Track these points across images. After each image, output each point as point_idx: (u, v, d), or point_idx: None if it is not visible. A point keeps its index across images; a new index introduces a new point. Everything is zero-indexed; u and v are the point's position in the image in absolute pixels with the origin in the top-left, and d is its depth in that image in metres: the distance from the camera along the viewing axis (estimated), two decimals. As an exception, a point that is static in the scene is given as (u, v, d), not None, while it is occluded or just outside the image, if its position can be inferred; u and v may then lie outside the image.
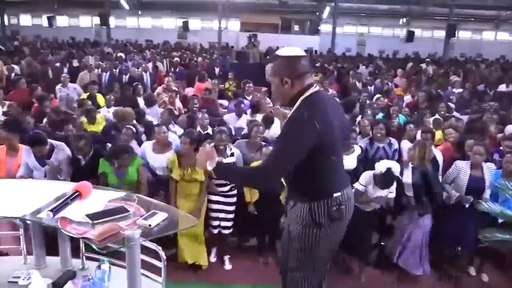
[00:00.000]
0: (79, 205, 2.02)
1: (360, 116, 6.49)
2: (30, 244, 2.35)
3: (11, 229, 2.88)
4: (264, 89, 8.02)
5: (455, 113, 6.93)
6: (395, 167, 4.00)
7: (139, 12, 30.14)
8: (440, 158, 4.84)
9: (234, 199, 4.53)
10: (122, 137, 4.91)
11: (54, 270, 2.26)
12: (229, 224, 4.54)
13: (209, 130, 5.51)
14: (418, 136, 5.16)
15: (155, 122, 5.71)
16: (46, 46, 18.97)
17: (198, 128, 5.61)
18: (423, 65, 15.18)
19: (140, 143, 5.14)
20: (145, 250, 2.02)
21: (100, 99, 7.64)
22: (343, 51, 24.69)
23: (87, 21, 30.36)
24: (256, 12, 25.54)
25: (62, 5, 28.88)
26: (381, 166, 4.01)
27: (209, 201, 4.47)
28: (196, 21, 29.46)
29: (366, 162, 4.72)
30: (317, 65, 14.25)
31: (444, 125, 5.79)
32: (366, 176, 4.16)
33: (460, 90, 9.32)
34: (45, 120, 5.81)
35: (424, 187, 4.12)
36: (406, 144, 5.36)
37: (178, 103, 7.63)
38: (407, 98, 8.78)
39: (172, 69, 12.45)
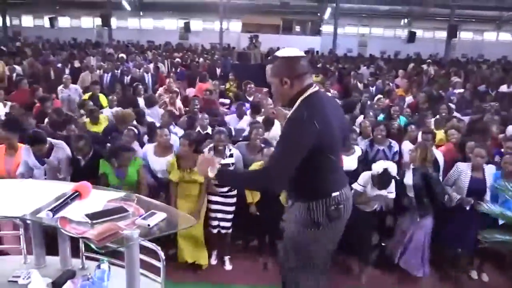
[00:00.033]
0: (79, 205, 2.03)
1: (362, 116, 6.49)
2: (30, 244, 2.35)
3: (12, 229, 2.89)
4: (265, 89, 8.03)
5: (455, 114, 6.92)
6: (392, 168, 4.03)
7: (141, 13, 30.19)
8: (441, 159, 4.84)
9: (233, 200, 4.54)
10: (123, 138, 4.89)
11: (54, 270, 2.26)
12: (229, 224, 4.55)
13: (209, 130, 5.52)
14: (419, 137, 5.15)
15: (156, 124, 5.71)
16: (48, 47, 19.02)
17: (198, 129, 5.63)
18: (424, 66, 15.17)
19: (141, 144, 5.13)
20: (144, 250, 2.03)
21: (102, 99, 7.66)
22: (344, 51, 24.70)
23: (89, 22, 30.42)
24: (257, 13, 25.61)
25: (64, 6, 29.00)
26: (377, 166, 4.05)
27: (209, 201, 4.48)
28: (198, 22, 29.52)
29: (366, 164, 4.72)
30: (318, 66, 14.26)
31: (446, 126, 5.78)
32: (364, 176, 4.18)
33: (461, 90, 9.31)
34: (46, 120, 5.82)
35: (425, 189, 4.13)
36: (407, 145, 5.36)
37: (178, 104, 7.65)
38: (409, 99, 8.77)
39: (173, 70, 12.48)
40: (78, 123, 5.63)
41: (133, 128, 5.10)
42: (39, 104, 6.67)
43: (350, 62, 17.18)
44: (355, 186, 4.13)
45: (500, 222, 4.07)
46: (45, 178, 4.02)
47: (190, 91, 9.62)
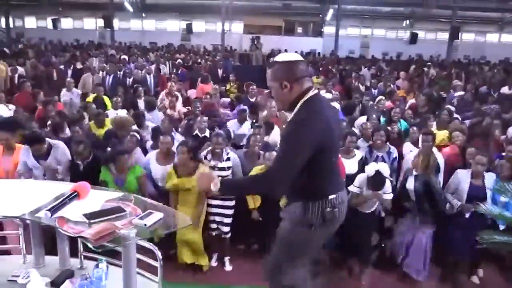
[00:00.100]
0: (77, 205, 2.05)
1: (362, 118, 6.49)
2: (29, 244, 2.38)
3: (12, 229, 2.92)
4: (266, 91, 8.05)
5: (455, 116, 6.90)
6: (384, 169, 4.06)
7: (143, 15, 30.25)
8: (441, 161, 4.83)
9: (232, 203, 4.53)
10: (126, 144, 4.87)
11: (53, 269, 2.29)
12: (227, 228, 4.54)
13: (207, 133, 5.51)
14: (420, 138, 5.14)
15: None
16: (50, 49, 19.09)
17: (196, 131, 5.62)
18: (425, 69, 15.14)
19: (143, 150, 5.12)
20: (142, 250, 2.05)
21: (106, 101, 7.65)
22: (346, 53, 24.68)
23: (91, 23, 30.46)
24: (259, 14, 25.62)
25: (67, 7, 29.07)
26: (370, 169, 4.09)
27: (208, 205, 4.47)
28: (200, 24, 29.54)
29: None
30: (320, 68, 14.27)
31: (449, 127, 5.77)
32: (360, 178, 4.22)
33: (461, 93, 9.28)
34: (49, 122, 5.84)
35: (426, 196, 4.15)
36: (408, 147, 5.39)
37: (179, 107, 7.64)
38: (411, 101, 8.76)
39: (175, 71, 12.51)
40: (82, 124, 5.65)
41: (136, 134, 5.09)
42: (42, 107, 6.69)
43: (351, 64, 17.17)
44: (351, 188, 4.16)
45: (501, 227, 4.08)
46: (45, 179, 4.04)
47: (192, 93, 9.65)
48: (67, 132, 5.41)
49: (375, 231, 4.55)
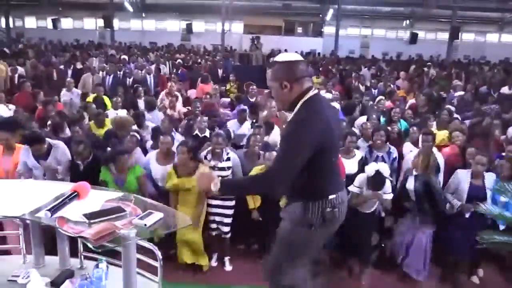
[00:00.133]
0: (77, 205, 2.05)
1: (362, 118, 6.49)
2: (29, 244, 2.38)
3: (12, 229, 2.92)
4: (266, 91, 8.05)
5: (455, 116, 6.90)
6: (384, 169, 4.07)
7: (143, 15, 30.26)
8: (441, 161, 4.83)
9: (232, 203, 4.52)
10: (126, 144, 4.87)
11: (53, 269, 2.29)
12: (227, 228, 4.54)
13: (207, 133, 5.50)
14: (420, 138, 5.14)
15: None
16: (50, 49, 19.09)
17: (196, 132, 5.61)
18: (425, 69, 15.14)
19: (143, 150, 5.11)
20: (142, 250, 2.05)
21: (106, 101, 7.65)
22: (346, 53, 24.68)
23: (91, 23, 30.47)
24: (259, 14, 25.63)
25: (67, 7, 29.07)
26: (370, 169, 4.09)
27: (208, 204, 4.47)
28: (200, 24, 29.54)
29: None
30: (320, 67, 14.27)
31: (450, 127, 5.77)
32: (360, 178, 4.22)
33: (461, 93, 9.28)
34: (49, 122, 5.84)
35: (426, 196, 4.15)
36: (408, 147, 5.38)
37: (178, 107, 7.64)
38: (411, 101, 8.75)
39: (175, 71, 12.52)
40: (82, 124, 5.65)
41: (136, 134, 5.09)
42: (42, 107, 6.69)
43: (351, 64, 17.17)
44: (351, 188, 4.16)
45: (501, 227, 4.07)
46: (45, 179, 4.03)
47: (192, 93, 9.65)
48: (67, 132, 5.41)
49: (375, 231, 4.56)
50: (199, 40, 26.67)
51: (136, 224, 1.87)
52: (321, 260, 4.03)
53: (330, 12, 26.60)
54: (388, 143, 5.24)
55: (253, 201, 4.53)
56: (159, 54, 16.88)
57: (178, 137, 5.42)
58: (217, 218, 4.51)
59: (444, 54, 22.15)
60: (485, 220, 4.17)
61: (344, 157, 4.66)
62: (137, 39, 26.87)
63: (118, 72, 10.39)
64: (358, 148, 5.13)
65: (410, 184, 4.25)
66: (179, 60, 14.06)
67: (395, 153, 5.14)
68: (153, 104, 7.02)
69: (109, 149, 4.80)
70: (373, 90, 9.92)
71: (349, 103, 7.83)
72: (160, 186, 4.61)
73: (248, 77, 10.03)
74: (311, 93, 2.35)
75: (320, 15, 28.03)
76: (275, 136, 5.52)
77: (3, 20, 25.96)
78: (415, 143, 5.27)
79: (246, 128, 6.06)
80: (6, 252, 2.94)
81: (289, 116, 2.43)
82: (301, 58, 2.44)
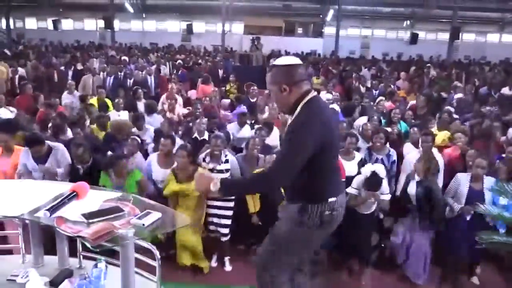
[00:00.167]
0: (76, 204, 2.06)
1: (362, 119, 6.49)
2: (28, 244, 2.39)
3: (11, 229, 2.92)
4: (266, 91, 8.05)
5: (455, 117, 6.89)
6: (380, 170, 4.07)
7: (144, 15, 30.30)
8: (441, 161, 4.82)
9: (231, 204, 4.51)
10: (127, 147, 4.86)
11: (52, 269, 2.30)
12: (226, 230, 4.52)
13: (206, 136, 5.49)
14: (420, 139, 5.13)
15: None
16: (51, 50, 19.11)
17: (195, 134, 5.60)
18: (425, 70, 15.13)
19: (143, 154, 5.10)
20: (140, 249, 2.05)
21: (107, 102, 7.64)
22: (347, 53, 24.68)
23: (92, 24, 30.50)
24: (259, 15, 25.64)
25: (67, 8, 29.11)
26: (366, 170, 4.10)
27: (207, 205, 4.46)
28: (200, 24, 29.56)
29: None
30: (320, 68, 14.27)
31: (451, 128, 5.75)
32: (358, 179, 4.24)
33: (461, 95, 9.25)
34: (50, 125, 5.83)
35: (426, 200, 4.15)
36: (408, 148, 5.38)
37: (178, 109, 7.61)
38: (412, 102, 8.73)
39: (175, 71, 12.53)
40: (84, 126, 5.64)
41: (136, 137, 5.08)
42: (43, 110, 6.69)
43: (351, 64, 17.16)
44: (349, 189, 4.17)
45: (502, 231, 4.06)
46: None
47: (192, 93, 9.65)
48: (69, 134, 5.39)
49: (374, 232, 4.56)
50: (200, 40, 26.68)
51: (134, 223, 1.88)
52: (320, 261, 4.04)
53: (331, 12, 26.60)
54: (388, 144, 5.23)
55: (253, 205, 4.51)
56: (159, 55, 16.89)
57: (177, 141, 5.43)
58: (215, 220, 4.49)
59: (445, 55, 22.16)
60: (485, 224, 4.15)
61: (344, 158, 4.66)
62: (138, 40, 26.88)
63: (119, 73, 10.38)
64: (358, 149, 5.11)
65: (412, 189, 4.25)
66: (179, 61, 14.06)
67: (394, 156, 5.12)
68: (153, 108, 6.96)
69: (109, 153, 4.79)
70: (373, 91, 9.88)
71: (348, 104, 7.83)
72: (160, 188, 4.59)
73: (248, 77, 10.03)
74: (310, 96, 2.37)
75: (321, 16, 28.04)
76: (274, 137, 5.52)
77: (3, 21, 25.99)
78: (416, 144, 5.25)
79: (246, 131, 6.06)
80: (6, 252, 2.95)
81: (289, 119, 2.45)
82: (299, 61, 2.47)
